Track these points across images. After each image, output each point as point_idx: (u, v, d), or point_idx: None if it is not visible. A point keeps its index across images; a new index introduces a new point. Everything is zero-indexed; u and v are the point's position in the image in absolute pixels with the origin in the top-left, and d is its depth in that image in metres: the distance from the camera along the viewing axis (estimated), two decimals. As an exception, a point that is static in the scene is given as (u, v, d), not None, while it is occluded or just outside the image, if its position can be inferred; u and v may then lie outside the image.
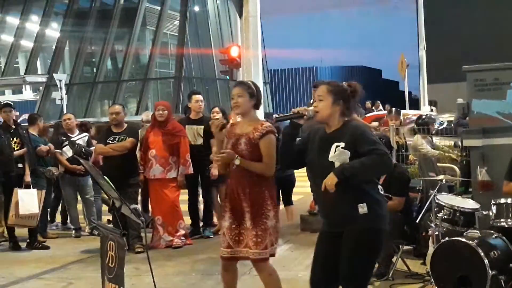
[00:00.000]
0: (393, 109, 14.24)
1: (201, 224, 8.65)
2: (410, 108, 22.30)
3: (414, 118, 12.76)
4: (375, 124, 13.96)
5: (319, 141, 4.05)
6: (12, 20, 35.68)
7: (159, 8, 33.18)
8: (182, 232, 7.98)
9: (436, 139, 10.58)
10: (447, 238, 5.26)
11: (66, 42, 34.89)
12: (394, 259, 6.05)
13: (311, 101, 7.36)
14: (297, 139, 4.23)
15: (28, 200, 7.91)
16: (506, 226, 5.21)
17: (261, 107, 5.01)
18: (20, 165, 8.16)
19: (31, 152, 8.35)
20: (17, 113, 13.02)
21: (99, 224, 5.41)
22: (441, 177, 6.33)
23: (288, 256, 7.12)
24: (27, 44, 35.12)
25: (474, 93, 6.93)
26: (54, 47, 34.37)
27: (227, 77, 17.92)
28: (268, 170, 4.56)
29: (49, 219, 9.46)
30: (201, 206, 8.72)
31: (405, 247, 6.32)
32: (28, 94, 31.59)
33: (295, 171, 7.93)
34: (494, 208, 5.34)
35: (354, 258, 3.90)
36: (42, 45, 35.18)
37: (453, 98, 18.86)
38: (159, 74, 34.17)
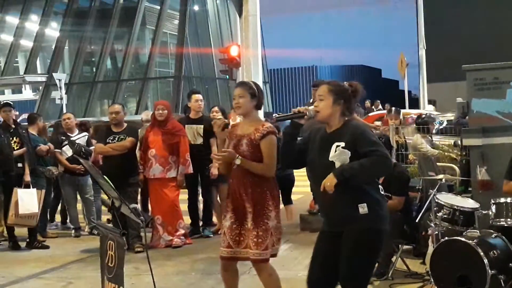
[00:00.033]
0: (393, 108, 14.27)
1: (200, 223, 8.65)
2: (410, 108, 22.26)
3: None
4: (378, 123, 13.91)
5: (319, 141, 4.04)
6: (12, 19, 35.71)
7: (158, 7, 33.20)
8: (182, 231, 7.98)
9: (436, 139, 10.57)
10: (446, 238, 5.25)
11: (66, 42, 34.93)
12: (393, 259, 6.05)
13: (311, 100, 7.38)
14: (298, 138, 4.23)
15: (27, 200, 7.91)
16: (505, 225, 5.20)
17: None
18: (19, 165, 8.15)
19: (30, 152, 8.34)
20: (17, 113, 13.07)
21: (98, 224, 5.39)
22: (440, 176, 6.34)
23: (287, 255, 7.11)
24: (27, 43, 35.15)
25: (474, 92, 6.91)
26: (53, 47, 34.42)
27: (227, 76, 17.94)
28: (268, 171, 4.55)
29: (48, 218, 9.45)
30: (201, 206, 8.72)
31: (405, 247, 6.33)
32: (27, 93, 31.55)
33: (295, 170, 7.92)
34: (493, 207, 5.34)
35: (354, 258, 3.89)
36: (42, 45, 35.21)
37: (452, 97, 18.86)
38: (158, 73, 34.19)
